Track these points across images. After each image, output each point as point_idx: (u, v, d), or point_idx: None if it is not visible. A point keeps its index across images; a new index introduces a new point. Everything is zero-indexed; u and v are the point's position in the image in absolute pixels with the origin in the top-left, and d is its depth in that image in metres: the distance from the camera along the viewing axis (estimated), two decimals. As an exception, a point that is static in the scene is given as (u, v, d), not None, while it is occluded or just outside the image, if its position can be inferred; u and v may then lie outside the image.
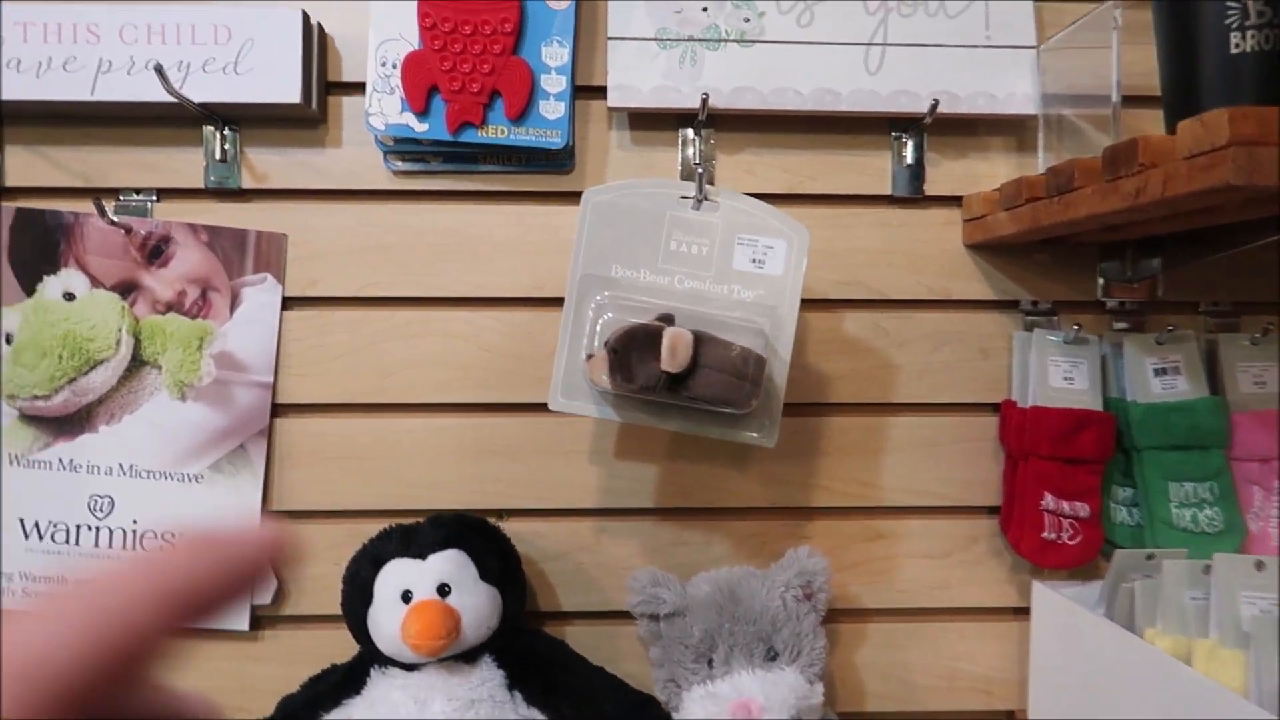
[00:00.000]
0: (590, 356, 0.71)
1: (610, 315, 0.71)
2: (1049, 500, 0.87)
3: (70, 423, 0.87)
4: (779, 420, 0.75)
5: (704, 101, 0.83)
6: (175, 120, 0.87)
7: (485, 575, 0.81)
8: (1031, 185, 0.77)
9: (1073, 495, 0.87)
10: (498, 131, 0.84)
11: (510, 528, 0.88)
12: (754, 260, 0.73)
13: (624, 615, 0.88)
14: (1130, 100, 0.81)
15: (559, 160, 0.89)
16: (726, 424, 0.74)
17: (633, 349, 0.67)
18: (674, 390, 0.68)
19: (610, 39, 0.85)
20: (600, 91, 0.88)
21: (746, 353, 0.69)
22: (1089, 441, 0.86)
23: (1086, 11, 0.80)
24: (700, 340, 0.68)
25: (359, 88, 0.87)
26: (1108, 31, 0.77)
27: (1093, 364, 0.89)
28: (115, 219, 0.87)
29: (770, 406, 0.74)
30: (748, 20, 0.85)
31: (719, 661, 0.83)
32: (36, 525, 0.87)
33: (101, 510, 0.87)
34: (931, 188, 0.92)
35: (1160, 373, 0.89)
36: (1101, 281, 0.93)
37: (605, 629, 0.93)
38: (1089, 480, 0.87)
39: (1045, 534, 0.87)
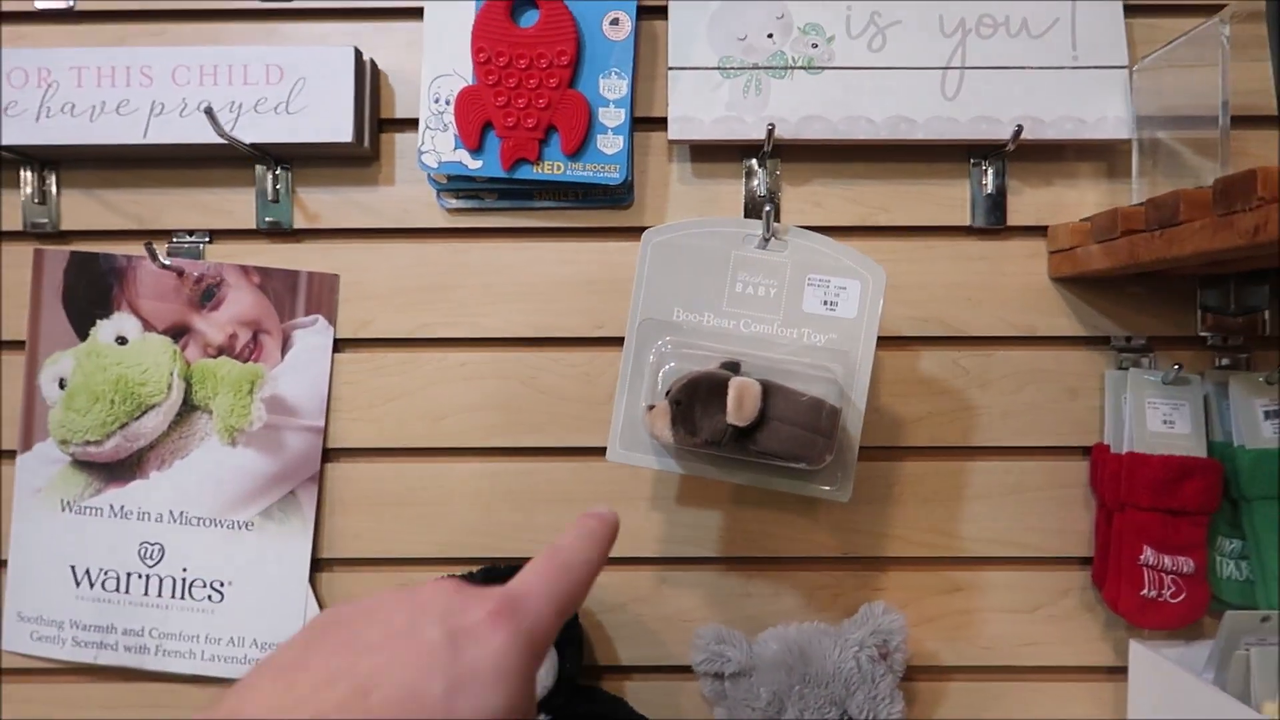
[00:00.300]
0: (651, 407, 0.66)
1: (672, 365, 0.67)
2: (1149, 555, 0.80)
3: (121, 468, 0.86)
4: (853, 473, 0.70)
5: (770, 132, 0.79)
6: (228, 160, 0.86)
7: (541, 631, 0.77)
8: (1128, 217, 0.71)
9: (1175, 550, 0.80)
10: (554, 168, 0.81)
11: (568, 579, 0.84)
12: (825, 302, 0.68)
13: (686, 670, 0.83)
14: (1236, 121, 0.74)
15: (617, 195, 0.85)
16: (797, 477, 0.69)
17: (696, 400, 0.63)
18: (741, 444, 0.64)
19: (671, 69, 0.81)
20: (660, 123, 0.84)
21: (819, 403, 0.64)
22: (1193, 492, 0.79)
23: (1190, 27, 0.73)
24: (769, 390, 0.64)
25: (412, 124, 0.85)
26: (1210, 48, 0.71)
27: (1195, 406, 0.82)
28: (167, 262, 0.85)
29: (844, 459, 0.69)
30: (815, 46, 0.80)
31: (789, 725, 0.77)
32: (88, 573, 0.86)
33: (152, 558, 0.85)
34: (1014, 217, 0.86)
35: (1271, 415, 0.81)
36: (1201, 314, 0.86)
37: (666, 685, 0.88)
38: (1193, 533, 0.80)
39: (1145, 591, 0.80)
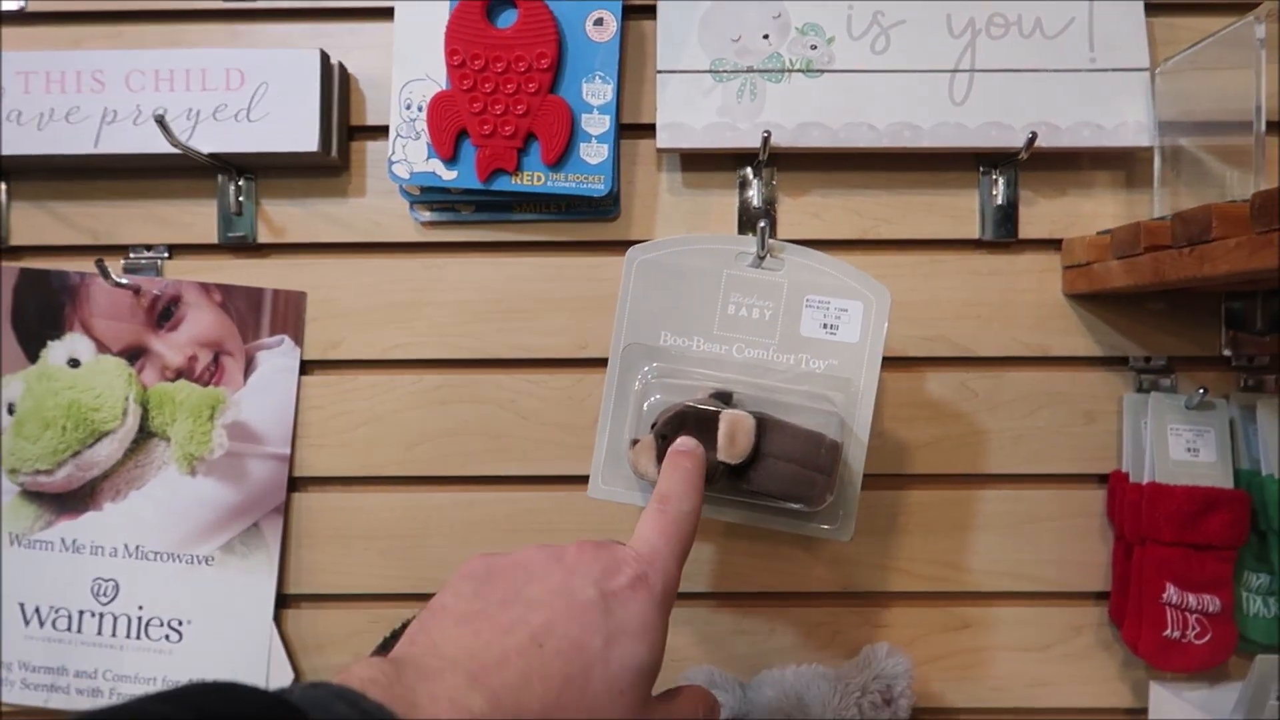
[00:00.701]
0: (635, 442, 0.61)
1: (658, 397, 0.61)
2: (1171, 593, 0.74)
3: (73, 499, 0.80)
4: (855, 511, 0.64)
5: (765, 140, 0.74)
6: (187, 171, 0.80)
7: (520, 676, 0.72)
8: (1152, 231, 0.66)
9: (1200, 587, 0.75)
10: (534, 179, 0.76)
11: (550, 617, 0.79)
12: (825, 325, 0.63)
13: (678, 714, 0.77)
14: (1267, 128, 0.69)
15: (603, 207, 0.80)
16: (793, 516, 0.63)
17: (684, 435, 0.58)
18: (733, 483, 0.58)
19: (660, 72, 0.76)
20: (648, 130, 0.79)
21: (819, 437, 0.59)
22: (1220, 525, 0.74)
23: (1218, 27, 0.68)
24: (763, 424, 0.58)
25: (384, 131, 0.79)
26: (1241, 49, 0.66)
27: (1220, 432, 0.77)
28: (123, 280, 0.80)
29: (845, 495, 0.63)
30: (814, 48, 0.75)
31: (786, 776, 0.72)
32: (37, 611, 0.80)
33: (105, 595, 0.80)
34: (1026, 230, 0.80)
35: (1303, 443, 0.76)
36: (1226, 333, 0.81)
37: (657, 728, 0.83)
38: (1220, 569, 0.75)
39: (1168, 632, 0.75)
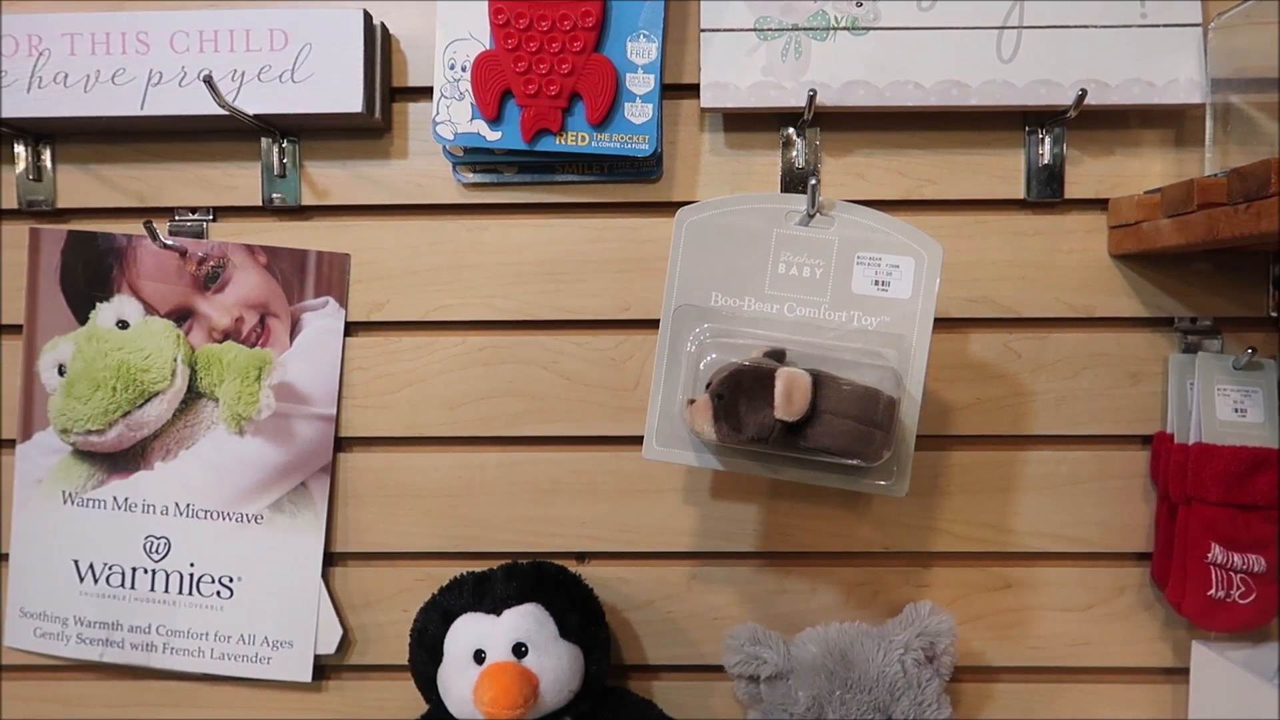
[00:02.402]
0: (691, 402, 0.61)
1: (713, 356, 0.61)
2: (1217, 553, 0.74)
3: (124, 459, 0.81)
4: (909, 467, 0.64)
5: (811, 99, 0.73)
6: (231, 133, 0.81)
7: (566, 632, 0.73)
8: (1207, 189, 0.65)
9: (1245, 547, 0.75)
10: (578, 139, 0.75)
11: (592, 574, 0.80)
12: (877, 282, 0.63)
13: (718, 670, 0.78)
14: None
15: (645, 168, 0.80)
16: (848, 472, 0.64)
17: (740, 394, 0.58)
18: (790, 441, 0.59)
19: (703, 31, 0.75)
20: (692, 90, 0.79)
21: (875, 393, 0.59)
22: (1267, 485, 0.74)
23: (1278, -20, 0.67)
24: (819, 381, 0.58)
25: (426, 93, 0.79)
26: (1300, 3, 0.65)
27: (1269, 392, 0.76)
28: (169, 242, 0.81)
29: (900, 451, 0.63)
30: (860, 5, 0.74)
31: (829, 732, 0.73)
32: (91, 567, 0.82)
33: (158, 552, 0.81)
34: (1072, 190, 0.80)
35: (1351, 403, 0.76)
36: (1274, 293, 0.80)
37: (698, 685, 0.84)
38: (1265, 529, 0.75)
39: (1212, 592, 0.75)
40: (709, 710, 0.84)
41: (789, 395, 0.57)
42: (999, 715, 0.83)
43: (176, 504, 0.81)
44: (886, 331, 0.63)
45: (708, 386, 0.60)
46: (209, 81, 0.72)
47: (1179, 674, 0.82)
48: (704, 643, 0.83)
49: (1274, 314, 0.80)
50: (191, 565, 0.81)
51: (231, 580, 0.81)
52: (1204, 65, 0.74)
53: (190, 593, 0.81)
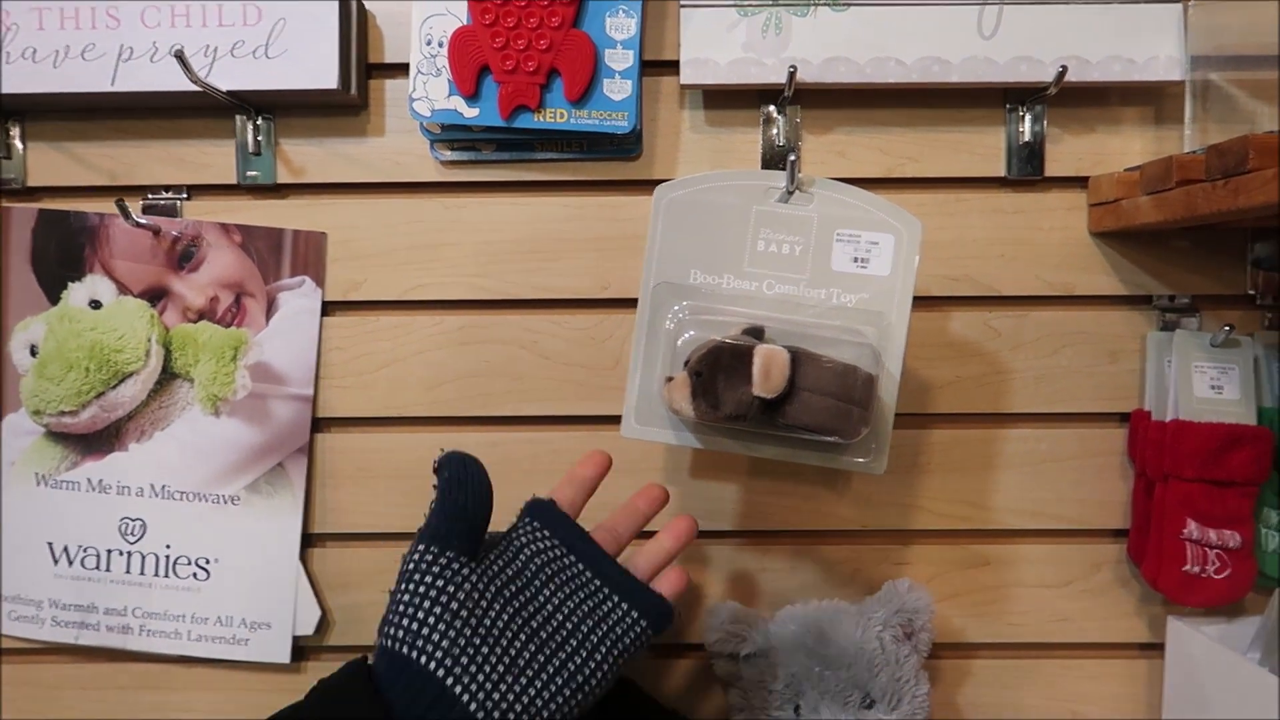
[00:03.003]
0: (670, 379, 0.61)
1: (692, 333, 0.61)
2: (1192, 529, 0.75)
3: (98, 440, 0.81)
4: (888, 444, 0.64)
5: (791, 75, 0.73)
6: (205, 110, 0.79)
7: (547, 612, 0.72)
8: (1185, 166, 0.65)
9: (1221, 523, 0.75)
10: (556, 115, 0.75)
11: (574, 555, 0.80)
12: (856, 259, 0.62)
13: (699, 649, 0.79)
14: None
15: (625, 145, 0.79)
16: (827, 450, 0.63)
17: (718, 371, 0.58)
18: (768, 418, 0.59)
19: (683, 6, 0.75)
20: (671, 67, 0.78)
21: (853, 370, 0.59)
22: (1242, 461, 0.74)
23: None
24: (797, 358, 0.58)
25: (403, 69, 0.78)
26: (1279, -21, 0.65)
27: (1245, 369, 0.77)
28: (142, 220, 0.79)
29: (879, 429, 0.63)
30: (841, -21, 0.74)
31: (807, 709, 0.73)
32: (66, 550, 0.81)
33: (133, 534, 0.81)
34: (1052, 168, 0.80)
35: (1326, 380, 0.76)
36: (1252, 271, 0.80)
37: (676, 664, 0.84)
38: (1240, 505, 0.75)
39: (1188, 567, 0.75)
40: (687, 689, 0.84)
41: (766, 372, 0.56)
42: (977, 691, 0.84)
43: (152, 485, 0.81)
44: (865, 309, 0.62)
45: (686, 364, 0.60)
46: (180, 57, 0.71)
47: (1155, 649, 0.82)
48: (684, 620, 0.83)
49: (1251, 292, 0.80)
50: (167, 547, 0.81)
51: (208, 562, 0.81)
52: (1184, 42, 0.74)
53: (166, 575, 0.81)
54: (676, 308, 0.64)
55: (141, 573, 0.81)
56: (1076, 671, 0.84)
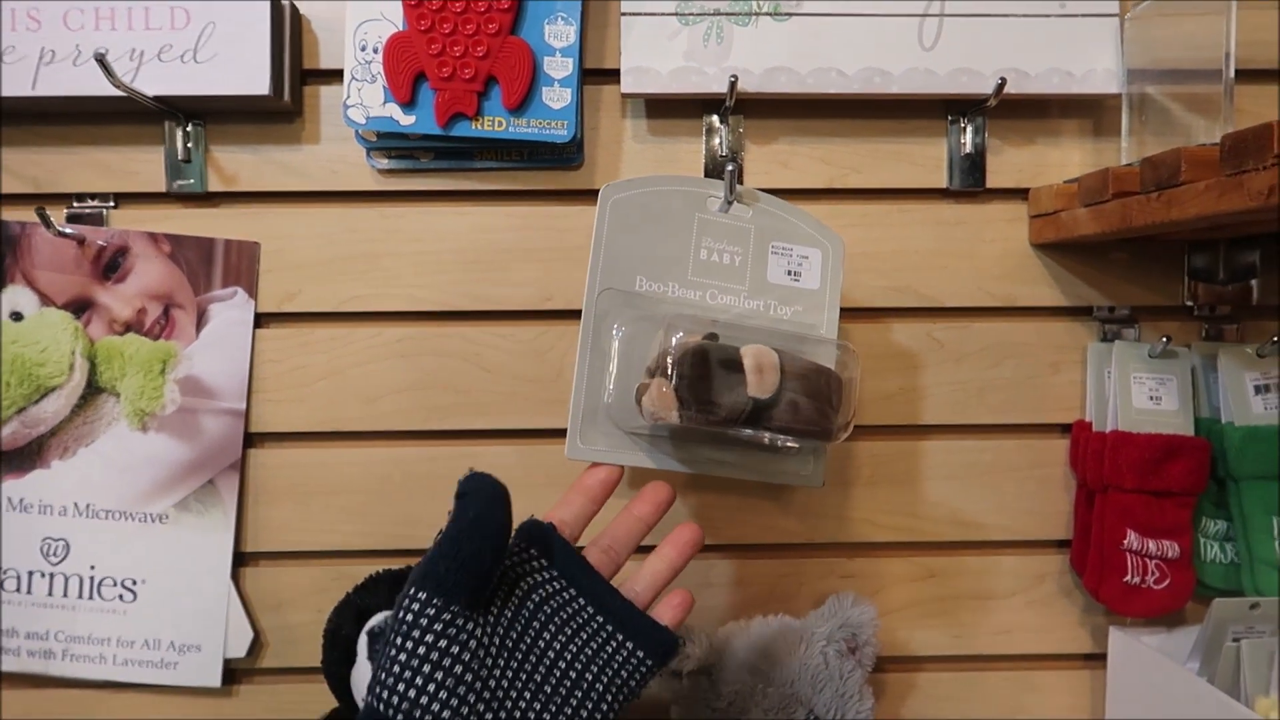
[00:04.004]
0: (644, 385, 0.59)
1: (680, 336, 0.58)
2: (1132, 539, 0.75)
3: (20, 457, 0.77)
4: (825, 455, 0.63)
5: (733, 85, 0.72)
6: (132, 116, 0.77)
7: (486, 631, 0.71)
8: (1121, 178, 0.65)
9: (1160, 533, 0.75)
10: (494, 124, 0.73)
11: (515, 571, 0.78)
12: (790, 272, 0.62)
13: (645, 667, 0.77)
14: (1220, 76, 0.69)
15: (566, 155, 0.78)
16: (767, 464, 0.62)
17: (710, 374, 0.56)
18: (756, 421, 0.57)
19: (624, 14, 0.74)
20: (612, 75, 0.77)
21: (824, 371, 0.57)
22: (1180, 472, 0.75)
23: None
24: (782, 360, 0.57)
25: (338, 75, 0.76)
26: (1210, -6, 0.65)
27: (1183, 380, 0.77)
28: (66, 229, 0.77)
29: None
30: (782, -11, 0.73)
31: (752, 726, 0.72)
32: (-15, 573, 0.78)
33: (55, 555, 0.78)
34: (994, 179, 0.80)
35: (1262, 390, 0.77)
36: (1189, 283, 0.81)
37: (624, 681, 0.82)
38: (1179, 516, 0.76)
39: (1128, 578, 0.76)
40: (633, 708, 0.82)
41: (760, 371, 0.55)
42: (922, 704, 0.84)
43: (75, 504, 0.78)
44: (799, 320, 0.61)
45: (652, 370, 0.58)
46: (102, 60, 0.68)
47: (1098, 660, 0.83)
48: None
49: (1189, 303, 0.81)
50: (92, 568, 0.78)
51: (135, 583, 0.78)
52: (1121, 56, 0.75)
53: (91, 597, 0.78)
54: (620, 320, 0.63)
55: (65, 595, 0.78)
56: (1022, 683, 0.84)
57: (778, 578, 0.82)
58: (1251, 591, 0.76)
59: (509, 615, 0.53)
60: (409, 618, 0.49)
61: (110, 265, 0.78)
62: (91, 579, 0.78)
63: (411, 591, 0.50)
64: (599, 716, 0.52)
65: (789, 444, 0.59)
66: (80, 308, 0.78)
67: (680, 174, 0.79)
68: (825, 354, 0.58)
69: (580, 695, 0.52)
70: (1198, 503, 0.78)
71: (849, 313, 0.64)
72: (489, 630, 0.51)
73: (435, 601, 0.49)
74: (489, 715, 0.49)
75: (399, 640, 0.49)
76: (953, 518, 0.82)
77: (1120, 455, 0.75)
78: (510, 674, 0.51)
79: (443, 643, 0.49)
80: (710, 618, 0.80)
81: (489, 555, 0.51)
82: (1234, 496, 0.77)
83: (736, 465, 0.63)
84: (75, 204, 0.78)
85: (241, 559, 0.80)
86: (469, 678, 0.49)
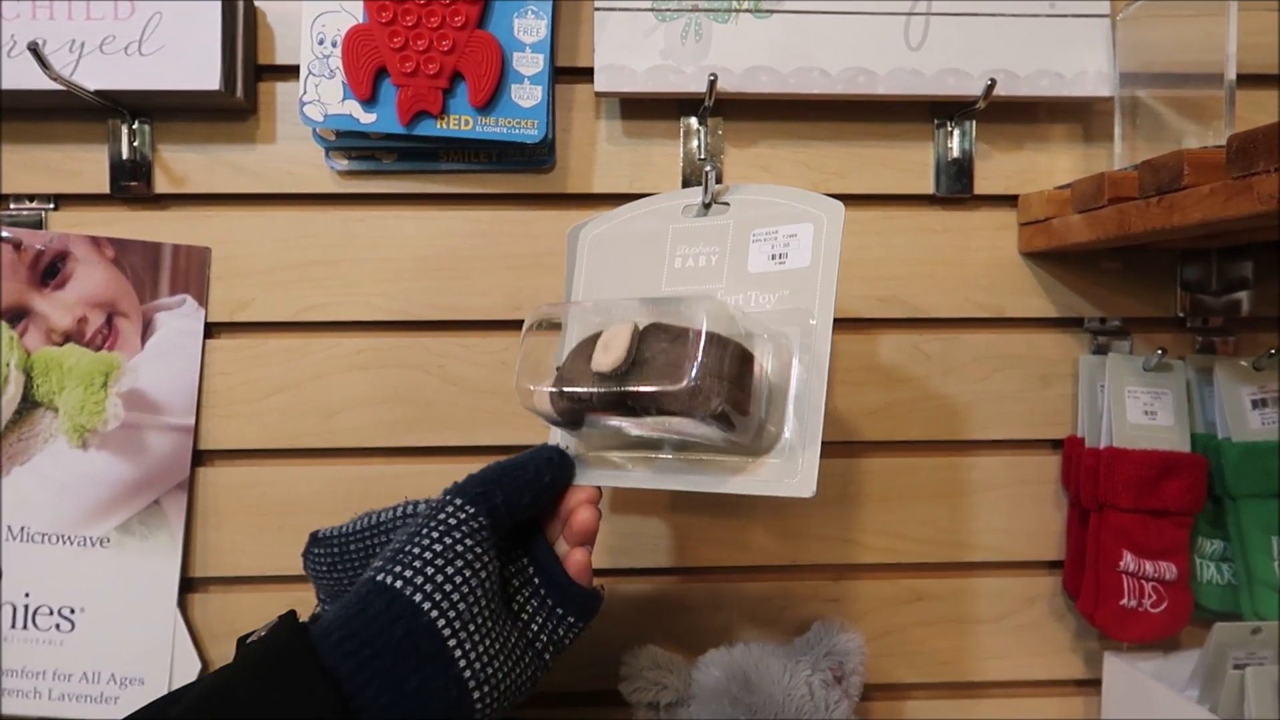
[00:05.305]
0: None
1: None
2: (1128, 560, 0.72)
3: (-52, 477, 0.72)
4: (817, 457, 0.57)
5: (711, 84, 0.69)
6: (74, 113, 0.72)
7: (449, 661, 0.66)
8: (1117, 183, 0.62)
9: (1157, 554, 0.72)
10: (461, 123, 0.69)
11: (482, 596, 0.74)
12: (773, 256, 0.57)
13: (616, 698, 0.73)
14: (1213, 81, 0.66)
15: (536, 156, 0.74)
16: (747, 477, 0.56)
17: (573, 358, 0.54)
18: (619, 400, 0.52)
19: (597, 9, 0.70)
20: (586, 74, 0.73)
21: (687, 331, 0.51)
22: (1178, 490, 0.72)
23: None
24: (646, 332, 0.53)
25: (295, 71, 0.72)
26: (1204, -5, 0.63)
27: (1178, 394, 0.75)
28: (2, 233, 0.72)
29: (807, 437, 0.56)
30: (763, -16, 0.70)
31: (733, 760, 0.68)
32: (-90, 601, 0.72)
33: (-13, 582, 0.72)
34: (981, 185, 0.77)
35: (1259, 405, 0.74)
36: (1181, 294, 0.78)
37: (593, 715, 0.78)
38: (1176, 535, 0.73)
39: (1125, 601, 0.72)
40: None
41: (607, 345, 0.51)
42: (910, 733, 0.80)
43: (9, 527, 0.72)
44: (785, 306, 0.56)
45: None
46: (36, 51, 0.64)
47: (1091, 685, 0.79)
48: (601, 665, 0.77)
49: (1181, 315, 0.79)
50: (26, 596, 0.73)
51: (73, 611, 0.73)
52: (1113, 58, 0.72)
53: (25, 626, 0.73)
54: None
55: (-4, 624, 0.73)
56: (1011, 710, 0.80)
57: (759, 601, 0.78)
58: (1250, 614, 0.73)
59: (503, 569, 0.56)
60: (448, 520, 0.51)
61: (49, 271, 0.73)
62: (26, 607, 0.73)
63: (459, 501, 0.52)
64: (538, 667, 0.55)
65: (702, 430, 0.52)
66: (15, 316, 0.73)
67: (651, 179, 0.75)
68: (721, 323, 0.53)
69: (533, 651, 0.55)
70: (1194, 522, 0.75)
71: (833, 324, 0.60)
72: (495, 567, 0.53)
73: (480, 517, 0.52)
74: (490, 624, 0.51)
75: (434, 533, 0.51)
76: (940, 538, 0.79)
77: (1116, 472, 0.72)
78: (500, 606, 0.53)
79: (478, 549, 0.51)
80: (687, 642, 0.76)
81: (530, 506, 0.55)
82: (1232, 515, 0.74)
83: (712, 478, 0.57)
84: (12, 205, 0.74)
85: (189, 585, 0.75)
86: (480, 593, 0.50)
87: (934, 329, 0.78)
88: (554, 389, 0.55)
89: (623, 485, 0.58)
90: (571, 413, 0.55)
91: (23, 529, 0.72)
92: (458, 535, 0.51)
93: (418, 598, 0.48)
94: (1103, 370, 0.75)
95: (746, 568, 0.78)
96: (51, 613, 0.73)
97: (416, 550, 0.50)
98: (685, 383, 0.49)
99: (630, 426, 0.55)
